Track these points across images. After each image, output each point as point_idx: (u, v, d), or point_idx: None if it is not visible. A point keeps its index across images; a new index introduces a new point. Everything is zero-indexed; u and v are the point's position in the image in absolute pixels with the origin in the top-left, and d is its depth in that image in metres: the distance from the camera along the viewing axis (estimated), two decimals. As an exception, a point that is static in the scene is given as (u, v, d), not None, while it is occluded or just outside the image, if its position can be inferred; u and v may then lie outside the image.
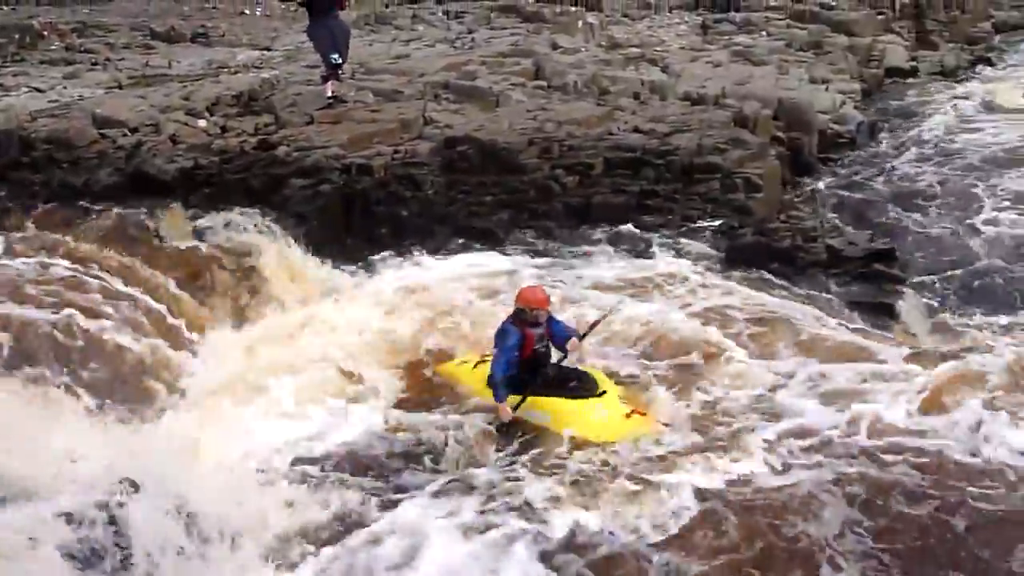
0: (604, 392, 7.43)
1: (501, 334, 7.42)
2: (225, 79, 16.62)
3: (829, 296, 9.64)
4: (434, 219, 11.53)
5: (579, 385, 7.45)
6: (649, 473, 6.54)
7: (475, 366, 7.94)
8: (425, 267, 10.55)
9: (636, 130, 13.44)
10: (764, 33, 22.01)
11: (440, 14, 23.96)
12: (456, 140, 12.67)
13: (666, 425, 7.23)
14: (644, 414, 7.32)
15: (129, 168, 12.38)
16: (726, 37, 21.68)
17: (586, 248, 11.00)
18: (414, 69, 16.85)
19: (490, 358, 7.60)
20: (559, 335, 7.64)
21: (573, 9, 23.75)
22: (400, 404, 7.92)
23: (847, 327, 8.88)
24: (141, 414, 7.09)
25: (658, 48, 20.19)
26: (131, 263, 9.63)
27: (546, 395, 7.38)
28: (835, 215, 12.33)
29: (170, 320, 8.75)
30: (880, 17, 24.26)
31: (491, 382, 7.40)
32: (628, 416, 7.23)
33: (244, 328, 8.97)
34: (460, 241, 11.19)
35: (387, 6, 26.02)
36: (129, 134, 13.37)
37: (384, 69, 17.11)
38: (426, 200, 11.73)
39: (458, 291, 9.69)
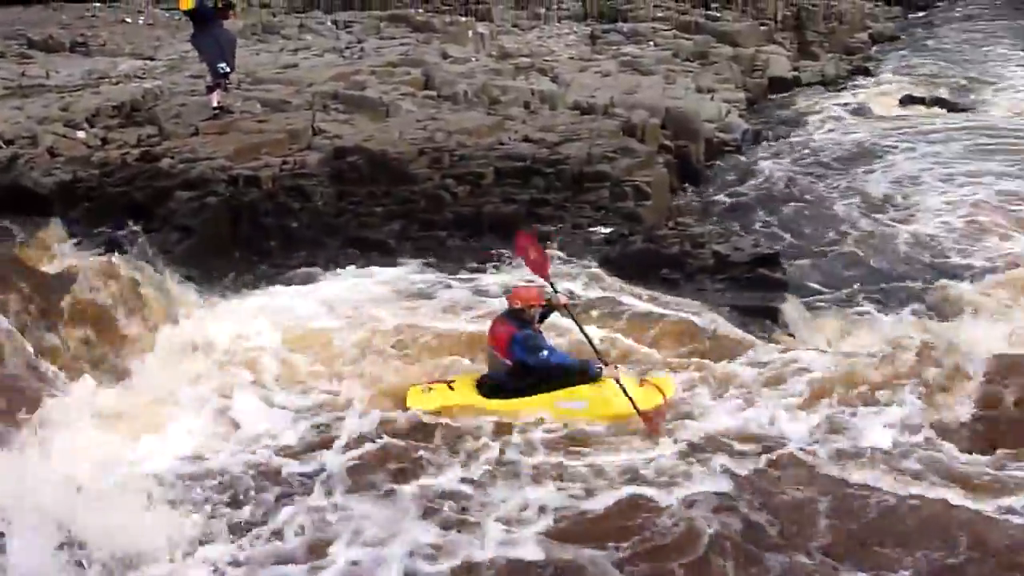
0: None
1: (530, 339, 7.24)
2: (106, 89, 16.20)
3: (716, 301, 9.79)
4: (324, 231, 11.38)
5: (591, 367, 7.41)
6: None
7: (450, 385, 7.62)
8: (316, 279, 10.40)
9: (526, 139, 13.54)
10: (651, 43, 22.39)
11: (328, 23, 23.71)
12: (345, 150, 12.57)
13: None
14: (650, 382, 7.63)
15: (4, 182, 11.96)
16: (614, 47, 21.98)
17: (478, 257, 11.01)
18: (302, 79, 16.68)
19: (457, 380, 7.64)
20: None
21: (463, 19, 23.75)
22: (300, 419, 7.71)
23: (734, 331, 9.06)
24: (10, 444, 6.77)
25: (548, 58, 20.37)
26: None
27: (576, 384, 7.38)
28: (721, 221, 12.56)
29: (36, 344, 8.38)
30: (763, 28, 24.92)
31: (566, 367, 7.29)
32: (641, 385, 7.51)
33: (121, 351, 8.65)
34: (351, 252, 11.05)
35: (274, 15, 25.66)
36: (4, 147, 12.92)
37: (272, 79, 16.89)
38: (316, 212, 11.58)
39: (349, 302, 9.57)
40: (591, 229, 11.38)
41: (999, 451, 6.87)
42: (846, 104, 20.16)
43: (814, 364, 8.09)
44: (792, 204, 13.42)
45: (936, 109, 19.51)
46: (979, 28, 31.64)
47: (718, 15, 25.37)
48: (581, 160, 12.56)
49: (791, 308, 9.66)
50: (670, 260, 10.38)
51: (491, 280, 10.38)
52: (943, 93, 20.99)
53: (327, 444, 7.16)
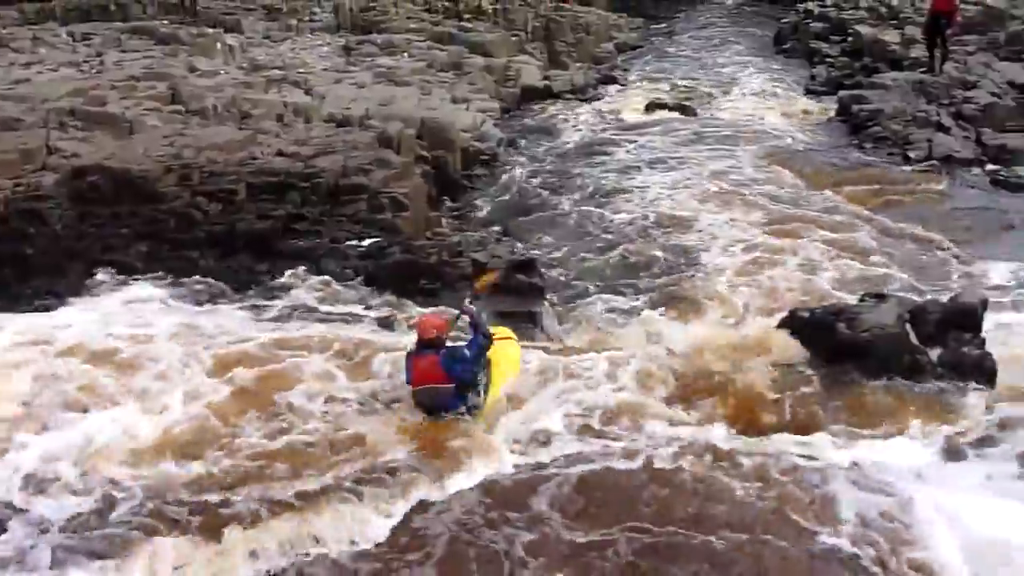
0: None
1: (455, 353, 7.55)
2: None
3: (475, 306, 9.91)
4: (65, 255, 10.80)
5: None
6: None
7: None
8: (57, 306, 9.82)
9: (280, 153, 13.24)
10: (406, 54, 22.42)
11: (64, 36, 22.33)
12: (85, 170, 11.89)
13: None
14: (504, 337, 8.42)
15: None
16: (369, 58, 21.87)
17: (234, 276, 10.73)
18: (36, 95, 15.59)
19: None
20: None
21: (211, 31, 22.93)
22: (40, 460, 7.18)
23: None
24: None
25: (301, 70, 20.02)
26: None
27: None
28: (479, 229, 12.74)
29: None
30: (514, 39, 25.43)
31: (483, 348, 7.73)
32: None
33: None
34: (96, 277, 10.49)
35: (4, 27, 23.97)
36: None
37: (0, 95, 15.74)
38: (54, 236, 10.95)
39: (96, 329, 9.07)
40: (349, 243, 11.31)
41: (716, 425, 7.62)
42: (595, 111, 20.93)
43: (567, 363, 8.40)
44: (546, 208, 13.83)
45: (677, 113, 20.53)
46: (715, 35, 33.60)
47: (470, 26, 25.67)
48: (337, 173, 12.41)
49: (547, 310, 9.95)
50: (429, 270, 10.46)
51: (248, 298, 10.16)
52: (683, 98, 22.11)
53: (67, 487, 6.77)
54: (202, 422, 7.53)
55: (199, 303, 10.08)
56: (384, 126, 14.77)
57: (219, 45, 21.29)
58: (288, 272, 10.71)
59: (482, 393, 7.68)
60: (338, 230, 11.61)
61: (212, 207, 11.61)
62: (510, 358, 8.23)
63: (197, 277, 10.61)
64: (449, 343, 7.79)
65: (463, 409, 7.52)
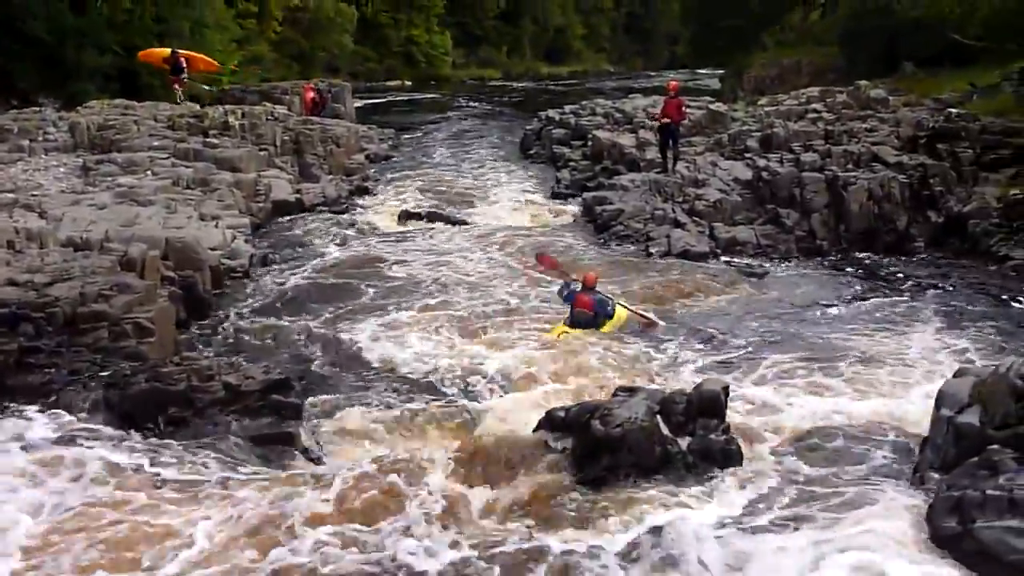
0: None
1: (606, 302, 13.33)
2: None
3: (230, 434, 9.60)
4: None
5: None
6: None
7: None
8: None
9: (11, 283, 12.42)
10: (149, 173, 21.75)
11: None
12: None
13: None
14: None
15: None
16: (109, 178, 21.04)
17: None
18: None
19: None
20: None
21: (-70, 156, 21.53)
22: None
23: (250, 463, 8.95)
24: None
25: (35, 192, 19.03)
26: None
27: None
28: (231, 351, 12.40)
29: None
30: (263, 153, 25.22)
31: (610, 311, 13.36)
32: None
33: None
34: None
35: None
36: None
37: None
38: None
39: None
40: (89, 375, 10.64)
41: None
42: (349, 223, 20.96)
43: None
44: (300, 323, 13.65)
45: (430, 222, 20.91)
46: (464, 142, 34.73)
47: (217, 142, 25.23)
48: (74, 301, 11.76)
49: (305, 431, 9.74)
50: (177, 397, 9.95)
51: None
52: (436, 207, 22.56)
53: None
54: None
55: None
56: (126, 248, 14.18)
57: (-61, 171, 19.97)
58: (20, 409, 9.99)
59: (612, 314, 13.18)
60: (77, 362, 10.93)
61: (-68, 345, 10.71)
62: (621, 313, 13.41)
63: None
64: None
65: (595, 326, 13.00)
